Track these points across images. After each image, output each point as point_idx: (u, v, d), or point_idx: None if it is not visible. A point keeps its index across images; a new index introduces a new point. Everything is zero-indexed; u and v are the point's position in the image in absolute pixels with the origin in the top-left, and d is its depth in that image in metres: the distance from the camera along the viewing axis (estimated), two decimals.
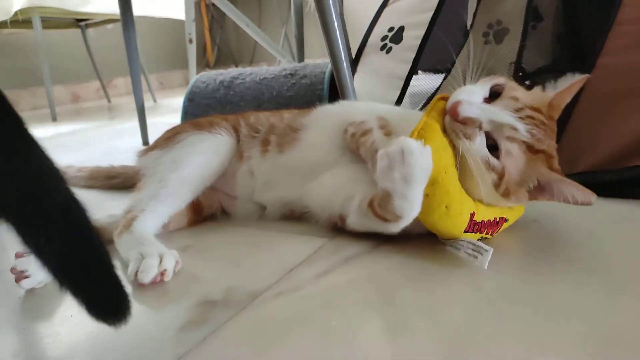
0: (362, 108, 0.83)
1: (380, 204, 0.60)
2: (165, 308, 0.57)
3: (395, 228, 0.62)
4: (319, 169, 0.77)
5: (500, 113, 0.60)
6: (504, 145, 0.60)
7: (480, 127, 0.61)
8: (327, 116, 0.84)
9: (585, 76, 0.67)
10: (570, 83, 0.66)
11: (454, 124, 0.62)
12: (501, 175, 0.61)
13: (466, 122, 0.60)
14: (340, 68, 1.06)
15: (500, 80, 0.65)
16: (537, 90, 0.68)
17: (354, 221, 0.68)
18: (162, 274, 0.61)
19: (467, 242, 0.62)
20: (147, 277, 0.59)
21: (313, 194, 0.76)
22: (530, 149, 0.61)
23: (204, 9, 4.48)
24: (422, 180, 0.57)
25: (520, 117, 0.61)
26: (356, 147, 0.73)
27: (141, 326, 0.53)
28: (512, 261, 0.63)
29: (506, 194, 0.63)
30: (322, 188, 0.75)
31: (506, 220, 0.68)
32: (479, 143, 0.61)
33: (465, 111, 0.60)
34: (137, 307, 0.57)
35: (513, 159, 0.61)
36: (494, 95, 0.64)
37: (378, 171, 0.59)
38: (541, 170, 0.62)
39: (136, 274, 0.60)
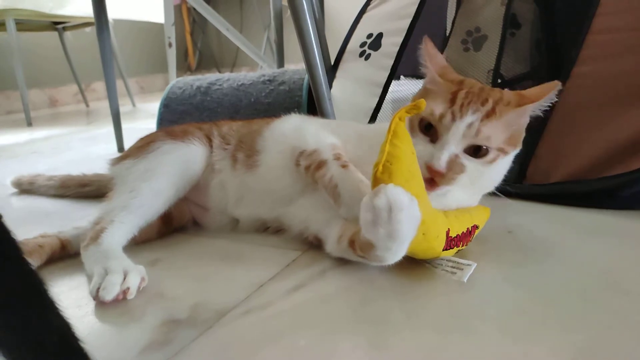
0: (312, 130, 0.77)
1: (362, 249, 0.57)
2: (128, 327, 0.54)
3: (375, 265, 0.60)
4: (289, 197, 0.75)
5: (452, 136, 0.61)
6: (480, 140, 0.61)
7: (458, 157, 0.61)
8: (277, 141, 0.79)
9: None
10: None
11: (446, 177, 0.61)
12: (502, 149, 0.63)
13: (450, 168, 0.60)
14: (316, 75, 1.05)
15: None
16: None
17: (333, 251, 0.66)
18: (125, 292, 0.58)
19: (447, 260, 0.61)
20: (108, 295, 0.57)
21: (289, 217, 0.75)
22: (488, 114, 0.61)
23: (185, 12, 4.44)
24: (409, 237, 0.54)
25: (459, 113, 0.61)
26: (314, 181, 0.70)
27: (102, 347, 0.51)
28: (488, 275, 0.62)
29: (513, 145, 0.64)
30: (298, 211, 0.74)
31: (477, 227, 0.68)
32: (470, 165, 0.61)
33: (437, 165, 0.60)
34: (98, 326, 0.55)
35: (492, 133, 0.61)
36: (428, 127, 0.63)
37: (362, 222, 0.54)
38: (509, 115, 0.62)
39: (98, 290, 0.58)
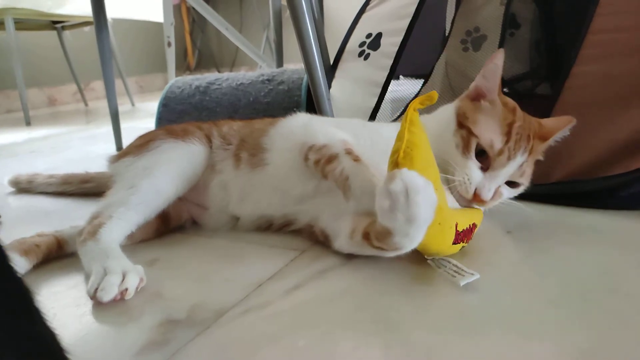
0: (321, 126, 0.77)
1: (379, 238, 0.57)
2: (126, 327, 0.54)
3: (392, 255, 0.60)
4: (301, 196, 0.75)
5: (504, 173, 0.66)
6: (522, 180, 0.69)
7: (500, 187, 0.67)
8: (286, 138, 0.79)
9: None
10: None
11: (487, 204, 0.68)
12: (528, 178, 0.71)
13: (492, 197, 0.67)
14: (315, 75, 1.04)
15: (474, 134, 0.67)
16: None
17: (344, 247, 0.66)
18: (123, 293, 0.58)
19: (453, 264, 0.61)
20: (106, 296, 0.56)
21: (298, 213, 0.75)
22: (529, 152, 0.68)
23: (184, 12, 4.44)
24: (428, 220, 0.53)
25: (513, 152, 0.65)
26: (323, 176, 0.69)
27: (99, 347, 0.51)
28: (488, 276, 0.61)
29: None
30: (308, 208, 0.74)
31: (476, 226, 0.68)
32: (505, 192, 0.69)
33: (486, 197, 0.66)
34: (96, 326, 0.55)
35: (529, 169, 0.69)
36: (479, 154, 0.67)
37: (378, 210, 0.53)
38: (538, 149, 0.70)
39: (96, 290, 0.57)
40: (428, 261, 0.63)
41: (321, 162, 0.69)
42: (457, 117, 0.70)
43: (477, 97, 0.71)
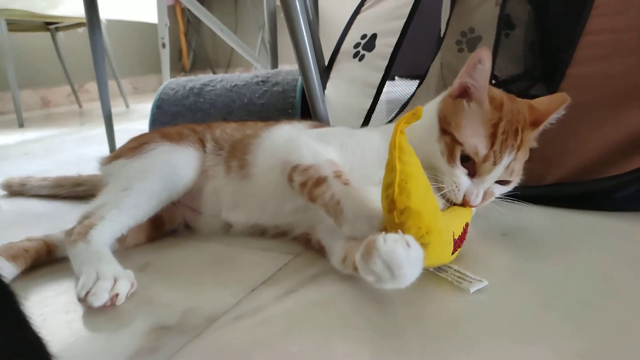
0: (307, 143, 0.72)
1: None
2: (116, 333, 0.53)
3: None
4: (293, 209, 0.73)
5: (491, 178, 0.65)
6: (512, 177, 0.67)
7: (490, 187, 0.66)
8: (268, 155, 0.76)
9: None
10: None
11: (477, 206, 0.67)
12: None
13: (482, 199, 0.66)
14: (309, 76, 1.04)
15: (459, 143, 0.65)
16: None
17: (338, 268, 0.63)
18: (114, 298, 0.57)
19: (454, 269, 0.61)
20: (97, 302, 0.55)
21: (291, 225, 0.75)
22: (518, 147, 0.65)
23: (179, 13, 4.42)
24: (417, 274, 0.50)
25: (499, 155, 0.64)
26: (310, 199, 0.65)
27: (89, 353, 0.50)
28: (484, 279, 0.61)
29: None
30: (302, 219, 0.73)
31: (468, 225, 0.67)
32: (497, 190, 0.68)
33: (474, 202, 0.65)
34: (85, 332, 0.54)
35: (519, 164, 0.67)
36: (465, 159, 0.65)
37: (366, 279, 0.51)
38: (530, 138, 0.68)
39: (87, 294, 0.56)
40: (430, 270, 0.62)
41: (308, 185, 0.65)
42: (439, 122, 0.68)
43: (461, 94, 0.67)
